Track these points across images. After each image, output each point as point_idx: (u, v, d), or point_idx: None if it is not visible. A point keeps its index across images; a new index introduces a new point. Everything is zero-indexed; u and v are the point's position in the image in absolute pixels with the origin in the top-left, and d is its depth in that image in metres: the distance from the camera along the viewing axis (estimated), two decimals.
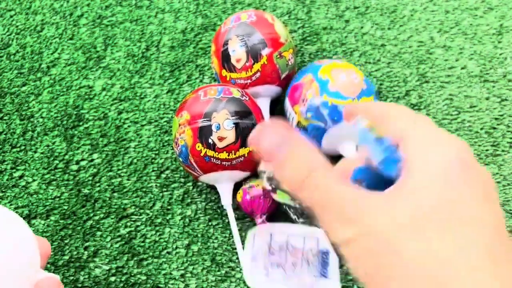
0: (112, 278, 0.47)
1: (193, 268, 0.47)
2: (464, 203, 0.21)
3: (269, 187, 0.43)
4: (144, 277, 0.47)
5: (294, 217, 0.47)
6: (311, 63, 0.50)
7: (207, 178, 0.47)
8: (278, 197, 0.43)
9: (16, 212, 0.51)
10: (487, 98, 0.56)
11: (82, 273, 0.47)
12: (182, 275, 0.47)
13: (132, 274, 0.47)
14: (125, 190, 0.52)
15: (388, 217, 0.21)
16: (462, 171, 0.22)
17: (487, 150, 0.52)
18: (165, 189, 0.51)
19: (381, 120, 0.25)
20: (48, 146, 0.55)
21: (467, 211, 0.21)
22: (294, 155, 0.23)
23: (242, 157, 0.45)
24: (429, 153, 0.22)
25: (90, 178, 0.52)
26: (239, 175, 0.47)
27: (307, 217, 0.47)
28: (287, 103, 0.50)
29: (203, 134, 0.44)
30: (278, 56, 0.50)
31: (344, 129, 0.46)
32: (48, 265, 0.48)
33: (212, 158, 0.45)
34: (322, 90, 0.46)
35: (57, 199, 0.51)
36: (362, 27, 0.61)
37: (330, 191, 0.22)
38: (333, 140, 0.47)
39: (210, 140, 0.44)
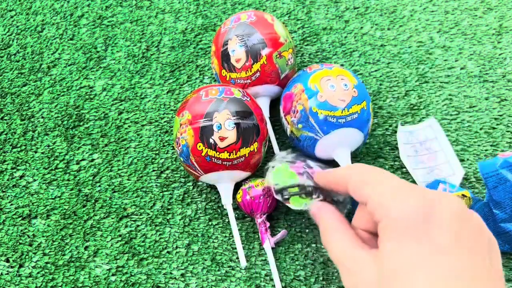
0: (112, 278, 0.47)
1: (193, 268, 0.47)
2: (426, 255, 0.26)
3: (280, 198, 0.43)
4: (144, 277, 0.47)
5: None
6: (302, 71, 0.49)
7: (207, 178, 0.47)
8: (293, 205, 0.42)
9: (17, 212, 0.51)
10: (486, 98, 0.56)
11: (82, 272, 0.47)
12: (182, 275, 0.47)
13: (132, 274, 0.47)
14: (125, 190, 0.52)
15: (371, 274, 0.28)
16: (424, 223, 0.26)
17: (486, 150, 0.53)
18: (165, 189, 0.51)
19: (343, 187, 0.33)
20: (48, 146, 0.55)
21: (431, 263, 0.25)
22: (319, 222, 0.35)
23: (243, 157, 0.45)
24: (392, 212, 0.28)
25: (91, 178, 0.52)
26: (240, 175, 0.47)
27: None
28: (281, 111, 0.50)
29: (204, 134, 0.44)
30: (278, 56, 0.50)
31: (336, 137, 0.46)
32: (49, 265, 0.48)
33: (213, 158, 0.45)
34: (311, 101, 0.46)
35: (58, 199, 0.51)
36: (361, 28, 0.62)
37: (337, 251, 0.31)
38: (326, 148, 0.47)
39: (211, 140, 0.44)
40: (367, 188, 0.30)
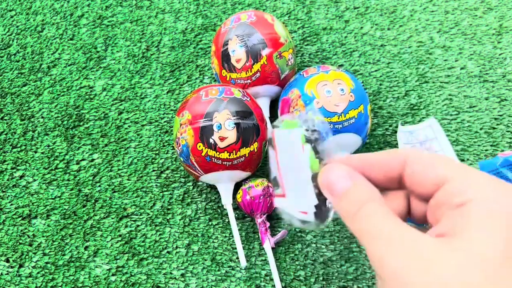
0: (112, 278, 0.47)
1: (193, 268, 0.47)
2: None
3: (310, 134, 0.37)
4: (144, 277, 0.47)
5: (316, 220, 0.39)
6: (299, 74, 0.50)
7: (207, 178, 0.47)
8: (311, 165, 0.36)
9: (17, 212, 0.51)
10: (486, 98, 0.56)
11: (82, 272, 0.47)
12: (182, 275, 0.47)
13: (132, 274, 0.47)
14: (125, 190, 0.52)
15: (449, 271, 0.21)
16: None
17: (486, 150, 0.53)
18: (165, 189, 0.51)
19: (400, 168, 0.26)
20: (48, 146, 0.55)
21: None
22: (350, 189, 0.26)
23: (243, 157, 0.45)
24: (490, 203, 0.22)
25: (91, 178, 0.52)
26: (240, 175, 0.47)
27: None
28: (279, 115, 0.50)
29: (204, 134, 0.44)
30: (278, 56, 0.50)
31: (334, 142, 0.46)
32: (49, 265, 0.48)
33: (213, 158, 0.45)
34: (308, 108, 0.46)
35: (58, 199, 0.51)
36: (361, 28, 0.62)
37: (380, 223, 0.23)
38: (325, 153, 0.47)
39: (211, 140, 0.44)
40: (442, 166, 0.24)
